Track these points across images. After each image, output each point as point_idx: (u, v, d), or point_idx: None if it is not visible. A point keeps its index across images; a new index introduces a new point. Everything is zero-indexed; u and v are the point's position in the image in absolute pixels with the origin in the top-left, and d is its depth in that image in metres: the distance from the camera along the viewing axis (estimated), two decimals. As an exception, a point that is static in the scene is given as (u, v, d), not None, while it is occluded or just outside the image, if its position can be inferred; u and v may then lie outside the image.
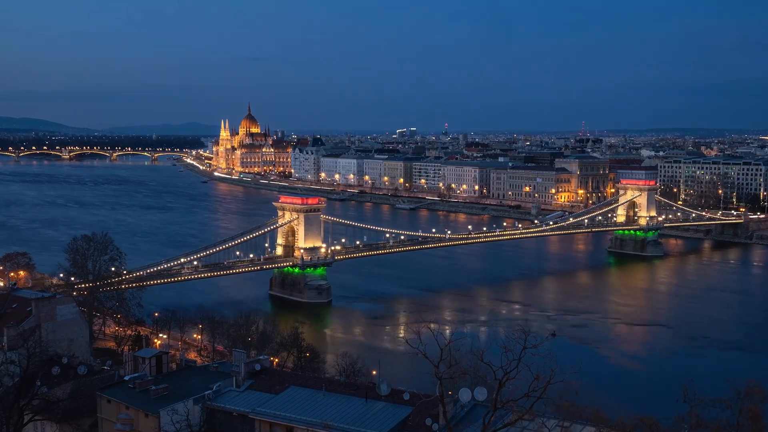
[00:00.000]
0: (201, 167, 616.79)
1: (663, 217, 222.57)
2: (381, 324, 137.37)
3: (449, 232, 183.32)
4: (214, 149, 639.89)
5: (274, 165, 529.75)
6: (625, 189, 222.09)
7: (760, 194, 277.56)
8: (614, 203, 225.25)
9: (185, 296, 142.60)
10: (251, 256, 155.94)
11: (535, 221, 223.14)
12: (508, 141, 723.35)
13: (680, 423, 41.44)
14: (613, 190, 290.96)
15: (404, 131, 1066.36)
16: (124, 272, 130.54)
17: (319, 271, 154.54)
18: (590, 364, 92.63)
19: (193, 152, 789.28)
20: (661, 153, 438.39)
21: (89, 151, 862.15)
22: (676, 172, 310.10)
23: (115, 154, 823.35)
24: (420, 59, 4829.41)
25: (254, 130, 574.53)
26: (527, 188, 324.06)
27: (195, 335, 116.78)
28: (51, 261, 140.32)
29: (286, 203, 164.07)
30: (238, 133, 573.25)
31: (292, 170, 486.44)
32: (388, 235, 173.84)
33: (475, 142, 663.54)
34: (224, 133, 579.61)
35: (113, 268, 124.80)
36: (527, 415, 39.24)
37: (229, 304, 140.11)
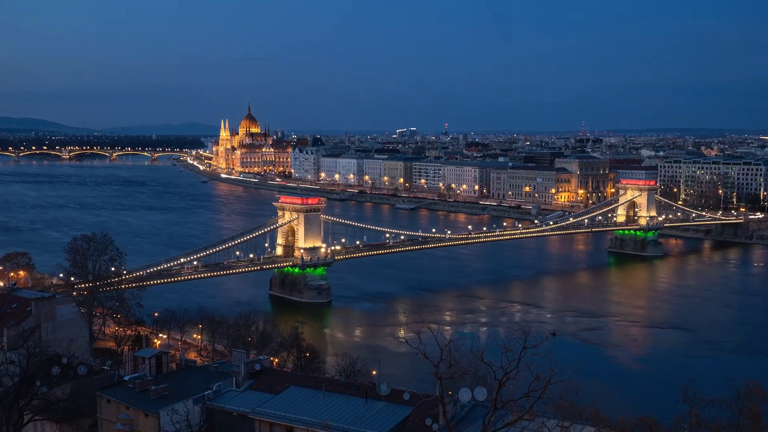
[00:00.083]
0: (201, 167, 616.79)
1: (663, 217, 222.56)
2: (381, 324, 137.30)
3: (449, 232, 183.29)
4: (214, 149, 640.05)
5: (274, 165, 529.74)
6: (625, 189, 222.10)
7: (760, 194, 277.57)
8: (614, 203, 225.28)
9: (185, 296, 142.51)
10: (251, 256, 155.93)
11: (535, 221, 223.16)
12: (508, 141, 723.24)
13: (680, 423, 41.42)
14: (613, 190, 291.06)
15: (404, 131, 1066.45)
16: (124, 272, 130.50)
17: (319, 271, 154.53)
18: (590, 364, 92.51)
19: (193, 152, 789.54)
20: (661, 153, 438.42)
21: (89, 151, 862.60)
22: (676, 172, 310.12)
23: (114, 154, 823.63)
24: (420, 59, 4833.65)
25: (254, 130, 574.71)
26: (527, 188, 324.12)
27: (195, 335, 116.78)
28: (51, 261, 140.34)
29: (286, 203, 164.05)
30: (238, 133, 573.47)
31: (292, 170, 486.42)
32: (388, 235, 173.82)
33: (475, 142, 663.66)
34: (224, 133, 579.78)
35: (113, 268, 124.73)
36: (527, 415, 39.22)
37: (229, 304, 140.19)
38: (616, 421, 42.59)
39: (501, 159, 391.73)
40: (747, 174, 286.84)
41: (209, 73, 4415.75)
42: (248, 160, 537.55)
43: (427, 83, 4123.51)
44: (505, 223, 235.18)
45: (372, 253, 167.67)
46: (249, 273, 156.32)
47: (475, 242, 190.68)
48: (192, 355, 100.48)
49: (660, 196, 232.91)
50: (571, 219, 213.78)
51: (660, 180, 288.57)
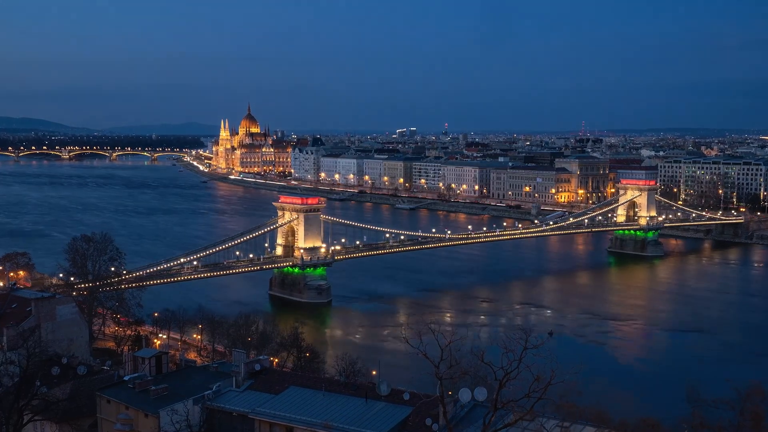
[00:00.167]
0: (201, 167, 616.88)
1: (663, 217, 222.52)
2: (381, 324, 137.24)
3: (449, 232, 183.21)
4: (213, 149, 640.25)
5: (273, 165, 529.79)
6: (625, 189, 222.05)
7: (760, 194, 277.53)
8: (614, 203, 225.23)
9: (185, 296, 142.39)
10: (251, 256, 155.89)
11: (535, 221, 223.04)
12: (508, 141, 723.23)
13: (682, 424, 41.38)
14: (613, 190, 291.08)
15: (404, 131, 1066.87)
16: (124, 272, 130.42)
17: (319, 271, 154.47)
18: (591, 365, 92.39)
19: (193, 152, 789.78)
20: (661, 153, 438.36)
21: (89, 151, 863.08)
22: (676, 172, 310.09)
23: (114, 154, 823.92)
24: (420, 59, 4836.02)
25: (254, 130, 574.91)
26: (527, 188, 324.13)
27: (195, 335, 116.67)
28: (51, 261, 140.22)
29: (286, 203, 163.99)
30: (237, 133, 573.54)
31: (292, 170, 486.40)
32: (388, 235, 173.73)
33: (475, 142, 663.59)
34: (224, 133, 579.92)
35: (113, 268, 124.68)
36: (528, 416, 39.18)
37: (229, 304, 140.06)
38: (618, 421, 42.53)
39: (501, 159, 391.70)
40: (747, 174, 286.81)
41: (209, 73, 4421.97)
42: (248, 160, 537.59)
43: (427, 83, 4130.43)
44: (505, 223, 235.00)
45: (372, 253, 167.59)
46: (249, 273, 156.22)
47: (475, 242, 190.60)
48: (192, 355, 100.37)
49: (660, 196, 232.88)
50: (571, 219, 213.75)
51: (660, 180, 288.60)
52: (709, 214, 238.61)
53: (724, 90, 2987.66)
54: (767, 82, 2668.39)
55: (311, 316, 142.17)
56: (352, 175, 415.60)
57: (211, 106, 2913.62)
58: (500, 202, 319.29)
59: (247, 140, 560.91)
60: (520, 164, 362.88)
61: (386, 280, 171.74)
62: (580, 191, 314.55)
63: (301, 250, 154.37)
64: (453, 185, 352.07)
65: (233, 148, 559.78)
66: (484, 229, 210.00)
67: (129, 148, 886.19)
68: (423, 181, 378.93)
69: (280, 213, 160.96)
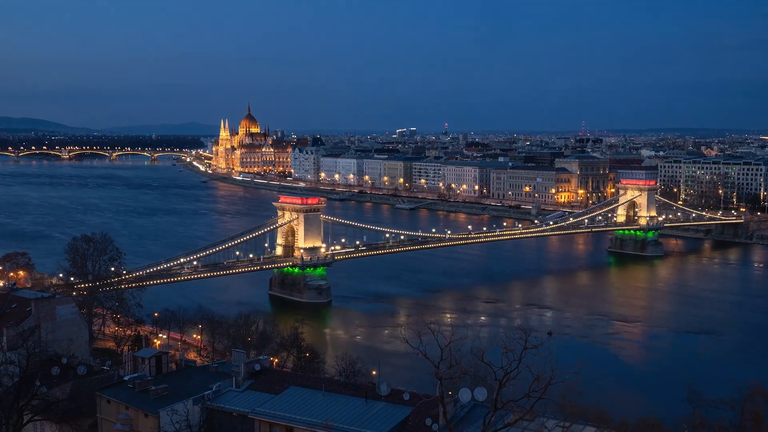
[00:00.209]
0: (201, 167, 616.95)
1: (663, 217, 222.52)
2: (381, 324, 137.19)
3: (449, 232, 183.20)
4: (213, 149, 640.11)
5: (273, 165, 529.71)
6: (625, 189, 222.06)
7: (760, 194, 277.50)
8: (614, 203, 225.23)
9: (185, 296, 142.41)
10: (251, 256, 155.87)
11: (535, 221, 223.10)
12: (508, 141, 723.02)
13: (682, 424, 41.36)
14: (613, 190, 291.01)
15: (404, 131, 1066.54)
16: (124, 272, 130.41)
17: (319, 271, 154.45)
18: (592, 365, 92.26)
19: (193, 152, 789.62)
20: (661, 153, 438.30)
21: (89, 151, 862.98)
22: (676, 172, 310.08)
23: (114, 154, 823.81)
24: (420, 59, 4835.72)
25: (254, 129, 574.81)
26: (527, 188, 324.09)
27: (195, 335, 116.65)
28: (51, 261, 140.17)
29: (286, 203, 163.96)
30: (237, 133, 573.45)
31: (292, 170, 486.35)
32: (388, 235, 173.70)
33: (475, 142, 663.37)
34: (224, 133, 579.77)
35: (113, 268, 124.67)
36: (528, 416, 39.16)
37: (228, 304, 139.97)
38: (618, 421, 42.50)
39: (501, 159, 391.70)
40: (747, 174, 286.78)
41: (209, 73, 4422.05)
42: (248, 160, 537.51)
43: (427, 83, 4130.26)
44: (505, 223, 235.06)
45: (372, 253, 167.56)
46: (249, 273, 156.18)
47: (475, 242, 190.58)
48: (192, 355, 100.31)
49: (660, 196, 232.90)
50: (571, 219, 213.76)
51: (660, 180, 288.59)
52: (709, 214, 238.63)
53: (724, 90, 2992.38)
54: (767, 82, 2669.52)
55: (311, 316, 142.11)
56: (352, 175, 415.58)
57: (211, 106, 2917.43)
58: (500, 202, 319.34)
59: (247, 140, 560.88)
60: (520, 164, 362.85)
61: (386, 280, 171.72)
62: (580, 191, 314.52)
63: (301, 250, 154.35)
64: (453, 185, 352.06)
65: (233, 148, 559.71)
66: (484, 229, 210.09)
67: (129, 148, 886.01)
68: (423, 181, 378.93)
69: (280, 213, 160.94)
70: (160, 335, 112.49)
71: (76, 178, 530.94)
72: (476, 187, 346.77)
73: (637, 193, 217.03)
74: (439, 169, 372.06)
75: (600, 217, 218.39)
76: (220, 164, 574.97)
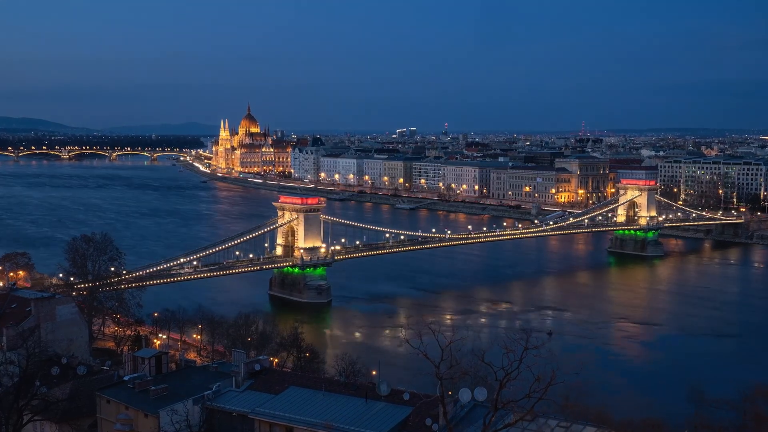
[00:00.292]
0: (201, 167, 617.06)
1: (663, 217, 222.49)
2: (381, 324, 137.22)
3: (449, 232, 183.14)
4: (213, 149, 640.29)
5: (273, 165, 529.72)
6: (625, 189, 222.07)
7: (760, 194, 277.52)
8: (614, 203, 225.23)
9: (185, 296, 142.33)
10: (251, 256, 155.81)
11: (535, 221, 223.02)
12: (508, 141, 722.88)
13: (684, 424, 41.28)
14: (613, 190, 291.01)
15: (404, 131, 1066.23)
16: (124, 272, 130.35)
17: (319, 271, 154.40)
18: (592, 365, 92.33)
19: (193, 152, 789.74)
20: (661, 153, 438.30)
21: (89, 151, 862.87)
22: (676, 172, 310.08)
23: (114, 154, 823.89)
24: (420, 59, 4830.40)
25: (254, 129, 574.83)
26: (527, 188, 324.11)
27: (195, 335, 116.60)
28: (51, 261, 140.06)
29: (286, 203, 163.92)
30: (237, 133, 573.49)
31: (292, 170, 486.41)
32: (388, 235, 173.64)
33: (475, 142, 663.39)
34: (224, 133, 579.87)
35: (113, 268, 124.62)
36: (528, 416, 39.11)
37: (228, 304, 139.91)
38: (619, 421, 42.45)
39: (501, 159, 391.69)
40: (747, 174, 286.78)
41: (209, 73, 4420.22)
42: (248, 160, 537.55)
43: (427, 83, 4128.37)
44: (505, 223, 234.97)
45: (372, 253, 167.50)
46: (249, 273, 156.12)
47: (475, 242, 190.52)
48: (192, 355, 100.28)
49: (660, 196, 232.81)
50: (571, 219, 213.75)
51: (660, 180, 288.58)
52: (709, 214, 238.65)
53: (724, 90, 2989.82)
54: (767, 82, 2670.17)
55: (311, 316, 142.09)
56: (352, 175, 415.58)
57: (211, 106, 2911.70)
58: (500, 203, 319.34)
59: (247, 140, 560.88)
60: (520, 164, 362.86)
61: (386, 280, 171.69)
62: (580, 191, 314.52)
63: (301, 250, 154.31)
64: (453, 185, 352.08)
65: (233, 148, 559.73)
66: (484, 229, 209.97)
67: (129, 148, 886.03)
68: (423, 181, 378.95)
69: (279, 213, 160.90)
70: (160, 335, 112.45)
71: (76, 178, 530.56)
72: (476, 187, 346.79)
73: (637, 193, 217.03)
74: (439, 169, 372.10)
75: (600, 217, 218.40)
76: (220, 164, 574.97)
